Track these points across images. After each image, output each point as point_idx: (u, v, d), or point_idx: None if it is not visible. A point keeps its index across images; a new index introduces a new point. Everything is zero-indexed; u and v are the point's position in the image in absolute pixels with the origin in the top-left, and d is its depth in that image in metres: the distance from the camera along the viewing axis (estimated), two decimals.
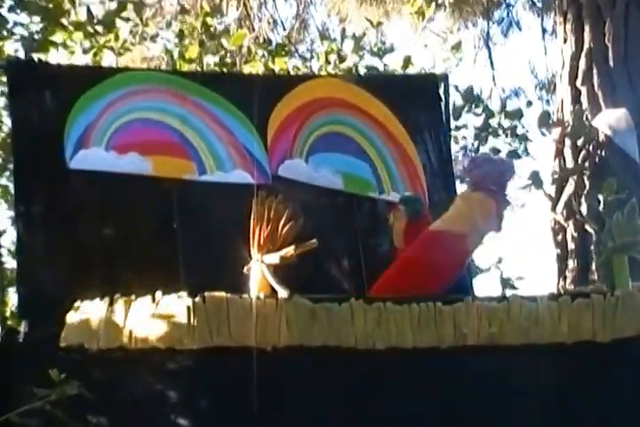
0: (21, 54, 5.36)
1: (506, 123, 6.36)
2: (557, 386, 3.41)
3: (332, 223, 4.45)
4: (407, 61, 6.08)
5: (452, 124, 6.07)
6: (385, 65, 6.09)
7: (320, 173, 4.53)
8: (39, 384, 3.20)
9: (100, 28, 5.49)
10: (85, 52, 5.55)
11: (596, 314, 3.48)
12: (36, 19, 5.39)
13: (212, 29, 5.93)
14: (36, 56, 5.17)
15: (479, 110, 6.29)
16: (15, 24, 5.35)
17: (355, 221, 4.54)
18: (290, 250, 3.39)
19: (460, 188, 5.98)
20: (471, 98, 6.25)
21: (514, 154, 6.29)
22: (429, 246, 3.83)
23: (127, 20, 5.61)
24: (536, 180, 5.89)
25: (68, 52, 5.49)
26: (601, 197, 4.18)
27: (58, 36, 5.41)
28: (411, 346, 3.34)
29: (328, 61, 6.04)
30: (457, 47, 6.72)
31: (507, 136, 6.32)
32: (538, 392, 3.37)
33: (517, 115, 6.36)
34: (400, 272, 3.84)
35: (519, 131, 6.33)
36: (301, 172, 4.50)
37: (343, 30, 6.29)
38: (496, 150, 6.28)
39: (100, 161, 4.12)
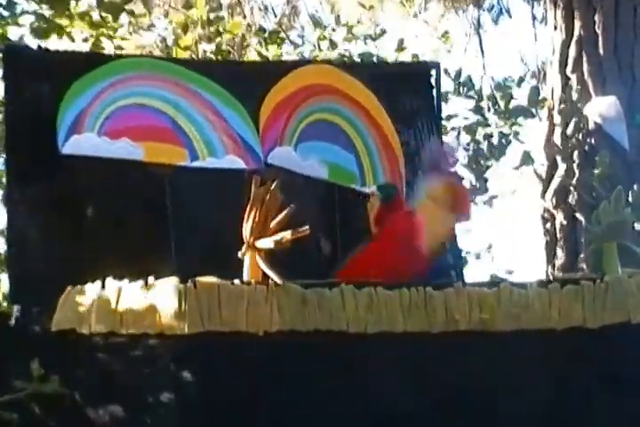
0: (27, 41, 5.37)
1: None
2: (548, 371, 3.43)
3: (315, 212, 4.45)
4: (400, 44, 6.07)
5: (444, 113, 6.07)
6: (377, 48, 6.08)
7: (307, 162, 4.54)
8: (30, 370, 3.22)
9: (106, 17, 5.48)
10: (85, 40, 5.54)
11: (586, 300, 3.50)
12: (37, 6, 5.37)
13: (205, 17, 5.91)
14: (33, 42, 5.18)
15: (471, 93, 6.27)
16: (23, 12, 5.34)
17: (336, 211, 4.55)
18: (286, 235, 3.35)
19: None
20: (458, 79, 6.23)
21: (503, 135, 6.29)
22: None
23: (132, 13, 5.61)
24: (526, 159, 5.93)
25: (69, 39, 5.47)
26: (595, 171, 4.19)
27: (62, 23, 5.40)
28: (402, 331, 3.36)
29: (320, 48, 6.04)
30: (445, 36, 6.71)
31: (499, 117, 6.30)
32: (529, 377, 3.40)
33: (507, 94, 6.34)
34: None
35: (513, 103, 6.31)
36: (289, 160, 4.49)
37: (337, 17, 6.27)
38: (488, 136, 6.29)
39: (93, 146, 4.11)
